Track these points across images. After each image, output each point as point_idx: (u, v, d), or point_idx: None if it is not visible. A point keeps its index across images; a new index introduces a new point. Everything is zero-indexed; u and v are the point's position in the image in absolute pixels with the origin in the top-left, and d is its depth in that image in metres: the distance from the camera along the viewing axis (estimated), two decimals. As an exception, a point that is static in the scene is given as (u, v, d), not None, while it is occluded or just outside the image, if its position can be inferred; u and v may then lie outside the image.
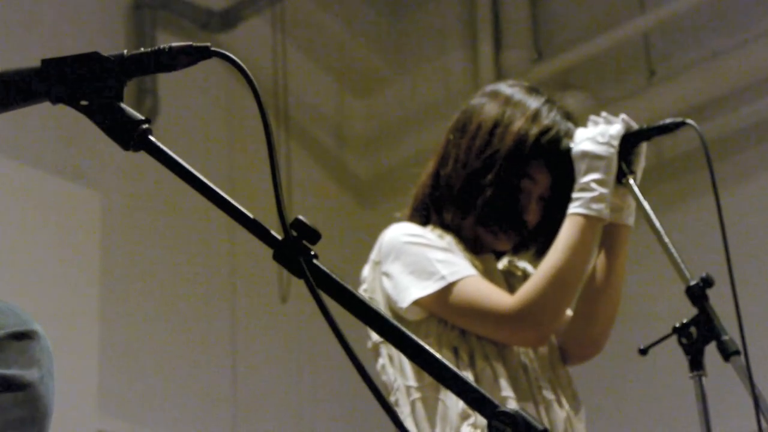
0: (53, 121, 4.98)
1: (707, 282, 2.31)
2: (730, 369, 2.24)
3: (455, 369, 1.28)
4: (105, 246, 5.07)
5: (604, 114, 2.52)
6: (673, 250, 2.37)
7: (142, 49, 1.38)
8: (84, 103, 1.35)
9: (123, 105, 1.35)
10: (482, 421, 2.32)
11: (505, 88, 2.65)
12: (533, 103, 2.59)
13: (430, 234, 2.54)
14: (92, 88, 1.35)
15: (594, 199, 2.44)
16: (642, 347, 2.43)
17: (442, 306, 2.44)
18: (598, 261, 2.55)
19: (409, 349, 1.30)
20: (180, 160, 1.32)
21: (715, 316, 2.29)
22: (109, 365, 4.95)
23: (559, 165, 2.52)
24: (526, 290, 2.43)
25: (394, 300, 2.47)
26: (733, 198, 5.13)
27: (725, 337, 2.25)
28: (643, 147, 2.53)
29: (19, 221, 4.83)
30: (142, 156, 1.36)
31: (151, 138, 1.34)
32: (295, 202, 5.59)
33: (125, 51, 1.38)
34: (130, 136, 1.34)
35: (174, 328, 5.33)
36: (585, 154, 2.46)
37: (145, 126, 1.34)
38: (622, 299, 2.59)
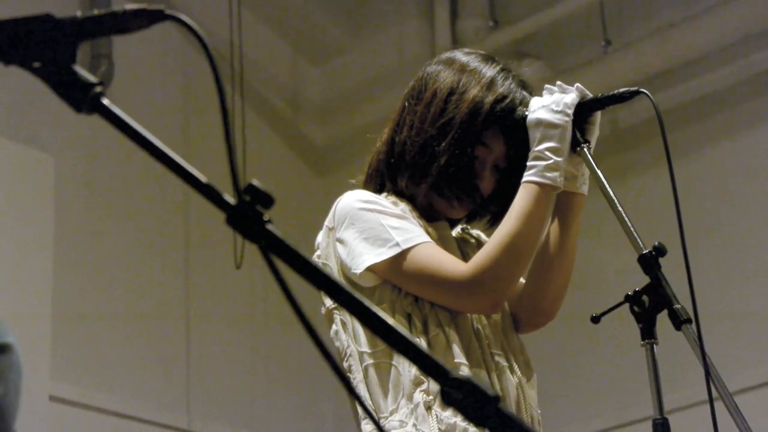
0: (5, 82, 4.94)
1: (660, 251, 2.32)
2: (682, 337, 2.25)
3: (408, 335, 1.28)
4: (59, 210, 5.04)
5: (559, 83, 2.52)
6: (626, 219, 2.38)
7: (96, 11, 1.37)
8: (36, 64, 1.34)
9: (76, 67, 1.34)
10: (435, 387, 2.33)
11: (461, 55, 2.65)
12: (489, 71, 2.58)
13: (384, 201, 2.53)
14: (45, 49, 1.34)
15: (548, 168, 2.44)
16: (594, 315, 2.44)
17: (396, 273, 2.44)
18: (551, 229, 2.55)
19: (362, 315, 1.30)
20: (133, 123, 1.31)
21: (667, 284, 2.30)
22: (61, 330, 4.93)
23: (513, 133, 2.52)
24: (480, 258, 2.44)
25: (347, 266, 2.47)
26: (687, 167, 5.16)
27: (677, 306, 2.27)
28: (598, 116, 2.53)
29: (-29, 185, 4.79)
30: (96, 120, 1.35)
31: (104, 101, 1.33)
32: (250, 169, 5.57)
33: (78, 12, 1.37)
34: (83, 98, 1.32)
35: (127, 293, 5.32)
36: (539, 123, 2.46)
37: (98, 89, 1.33)
38: (575, 267, 2.60)
